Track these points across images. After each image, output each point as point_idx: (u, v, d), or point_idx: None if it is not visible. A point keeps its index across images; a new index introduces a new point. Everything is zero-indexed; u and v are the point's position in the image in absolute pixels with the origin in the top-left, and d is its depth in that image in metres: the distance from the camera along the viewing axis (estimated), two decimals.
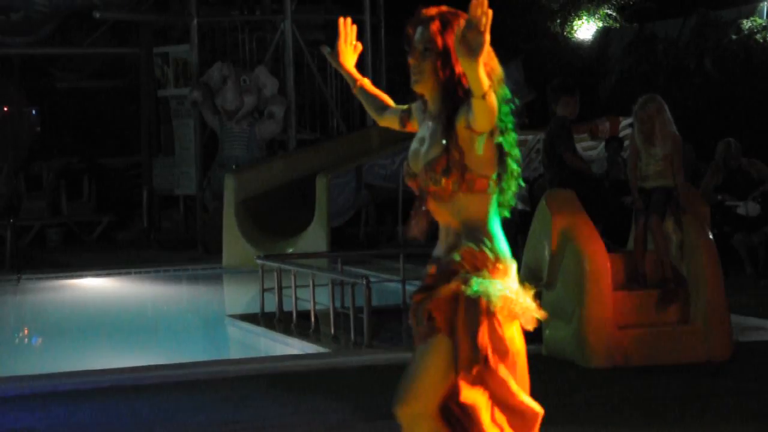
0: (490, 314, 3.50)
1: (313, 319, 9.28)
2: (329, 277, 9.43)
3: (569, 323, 7.78)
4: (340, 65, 3.91)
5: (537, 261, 8.09)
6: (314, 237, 13.68)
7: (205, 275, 14.05)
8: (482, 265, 3.53)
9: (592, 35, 18.17)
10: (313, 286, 9.24)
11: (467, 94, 3.44)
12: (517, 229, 10.05)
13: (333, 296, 9.20)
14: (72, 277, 13.62)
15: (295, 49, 16.08)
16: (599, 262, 7.75)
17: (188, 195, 16.69)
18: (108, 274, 13.81)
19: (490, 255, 3.54)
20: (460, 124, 3.50)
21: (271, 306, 9.92)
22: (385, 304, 10.29)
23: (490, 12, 3.21)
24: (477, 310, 3.49)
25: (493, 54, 3.49)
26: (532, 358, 3.76)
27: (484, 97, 3.35)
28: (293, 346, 9.06)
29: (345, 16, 4.01)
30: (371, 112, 3.97)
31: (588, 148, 14.02)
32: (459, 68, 3.48)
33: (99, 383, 7.44)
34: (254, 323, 10.00)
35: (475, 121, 3.45)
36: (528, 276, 7.58)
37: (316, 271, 9.60)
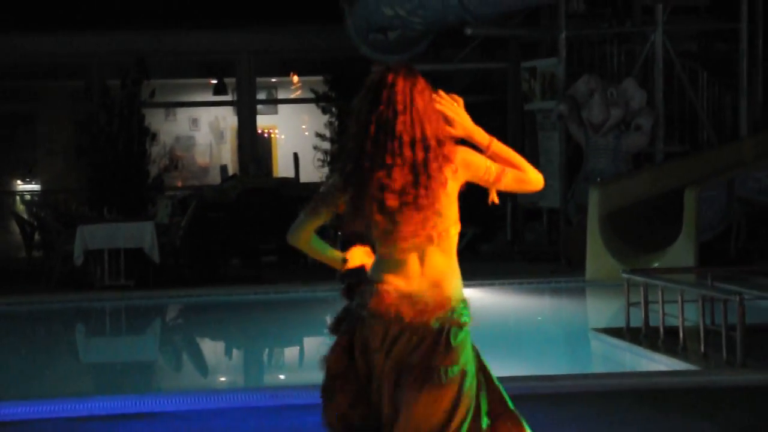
0: None
1: (681, 335, 9.04)
2: (699, 293, 9.13)
3: None
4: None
5: None
6: (681, 252, 13.32)
7: (568, 288, 13.99)
8: None
9: None
10: (682, 301, 9.00)
11: None
12: None
13: (703, 312, 8.92)
14: None
15: (665, 60, 15.74)
16: None
17: (552, 208, 16.72)
18: (472, 285, 14.05)
19: None
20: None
21: (636, 321, 9.76)
22: (760, 323, 9.84)
23: None
24: None
25: None
26: None
27: None
28: (660, 362, 8.86)
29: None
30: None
31: None
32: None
33: None
34: (619, 337, 9.84)
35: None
36: None
37: (685, 286, 9.33)
